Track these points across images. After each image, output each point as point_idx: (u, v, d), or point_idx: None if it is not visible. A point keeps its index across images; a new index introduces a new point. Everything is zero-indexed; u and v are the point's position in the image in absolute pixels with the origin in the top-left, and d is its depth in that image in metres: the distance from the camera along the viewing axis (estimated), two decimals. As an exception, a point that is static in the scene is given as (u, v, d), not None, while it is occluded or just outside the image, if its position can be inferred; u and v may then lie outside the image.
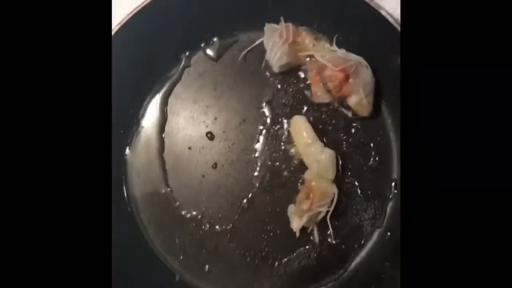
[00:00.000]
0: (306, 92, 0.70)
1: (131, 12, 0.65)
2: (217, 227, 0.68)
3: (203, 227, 0.69)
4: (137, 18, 0.66)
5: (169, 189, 0.70)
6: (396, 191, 0.67)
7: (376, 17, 0.62)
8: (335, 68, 0.64)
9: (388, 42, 0.63)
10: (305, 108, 0.70)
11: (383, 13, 0.61)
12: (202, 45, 0.74)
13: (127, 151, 0.72)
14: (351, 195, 0.68)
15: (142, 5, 0.65)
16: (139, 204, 0.71)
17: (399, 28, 0.60)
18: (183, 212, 0.69)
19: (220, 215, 0.69)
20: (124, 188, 0.71)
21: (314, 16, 0.69)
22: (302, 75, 0.71)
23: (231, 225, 0.68)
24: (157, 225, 0.70)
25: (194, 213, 0.69)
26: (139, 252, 0.68)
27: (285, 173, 0.69)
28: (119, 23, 0.65)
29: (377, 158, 0.68)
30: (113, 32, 0.64)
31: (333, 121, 0.70)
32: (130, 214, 0.70)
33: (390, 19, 0.61)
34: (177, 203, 0.70)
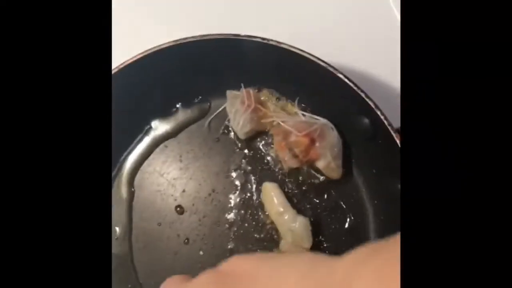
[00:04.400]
0: (275, 158, 0.69)
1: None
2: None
3: (179, 310, 0.65)
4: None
5: (139, 269, 0.67)
6: (374, 254, 0.65)
7: (336, 80, 0.61)
8: (299, 134, 0.63)
9: (351, 103, 0.62)
10: (275, 173, 0.69)
11: (341, 76, 0.60)
12: (165, 115, 0.72)
13: (95, 231, 0.69)
14: (329, 261, 0.65)
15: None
16: (110, 288, 0.67)
17: (360, 93, 0.59)
18: (157, 294, 0.66)
19: (196, 294, 0.65)
20: (94, 271, 0.67)
21: (275, 79, 0.69)
22: (269, 139, 0.70)
23: (208, 305, 0.65)
24: (130, 311, 0.66)
25: (169, 292, 0.66)
26: None
27: (259, 243, 0.66)
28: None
29: (352, 219, 0.66)
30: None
31: (304, 186, 0.68)
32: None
33: (349, 83, 0.60)
34: (152, 284, 0.66)
